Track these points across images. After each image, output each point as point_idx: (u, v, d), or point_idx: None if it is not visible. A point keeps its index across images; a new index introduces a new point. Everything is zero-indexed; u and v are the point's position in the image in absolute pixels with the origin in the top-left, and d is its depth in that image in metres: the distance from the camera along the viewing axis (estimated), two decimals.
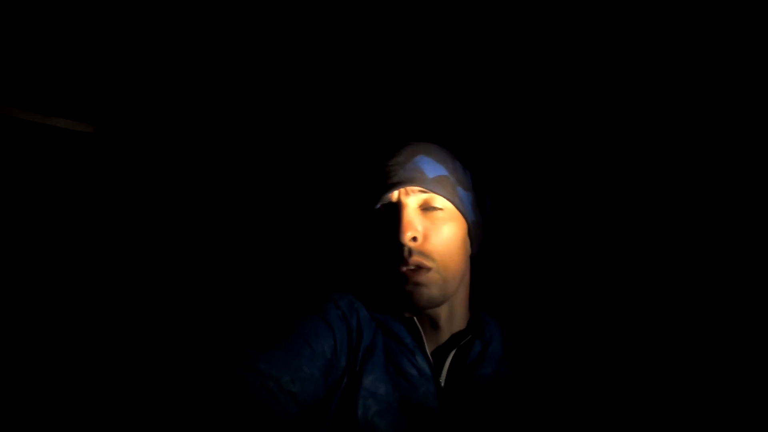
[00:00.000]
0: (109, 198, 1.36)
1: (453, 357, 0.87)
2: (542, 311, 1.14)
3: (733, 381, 0.97)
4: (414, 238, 0.83)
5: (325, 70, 1.36)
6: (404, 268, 0.83)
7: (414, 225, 0.84)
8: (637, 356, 1.02)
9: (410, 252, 0.83)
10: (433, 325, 0.88)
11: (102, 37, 1.30)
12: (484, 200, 0.96)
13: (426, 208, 0.87)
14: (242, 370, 0.72)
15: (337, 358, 0.82)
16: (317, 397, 0.78)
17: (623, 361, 1.00)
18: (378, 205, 0.88)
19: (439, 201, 0.87)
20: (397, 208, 0.86)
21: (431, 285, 0.84)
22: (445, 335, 0.89)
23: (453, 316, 0.90)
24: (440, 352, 0.88)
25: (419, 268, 0.83)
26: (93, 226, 1.33)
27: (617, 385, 0.94)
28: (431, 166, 0.89)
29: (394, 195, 0.87)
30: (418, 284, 0.83)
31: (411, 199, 0.86)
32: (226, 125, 1.43)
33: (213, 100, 1.42)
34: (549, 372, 0.88)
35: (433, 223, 0.86)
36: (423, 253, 0.84)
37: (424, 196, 0.87)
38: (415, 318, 0.88)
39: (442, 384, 0.84)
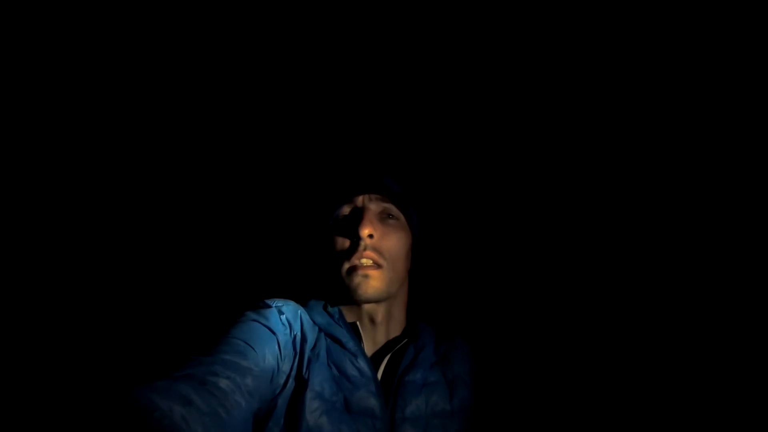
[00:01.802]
0: None
1: (388, 361, 0.95)
2: (471, 320, 1.25)
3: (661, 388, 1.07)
4: (371, 236, 0.94)
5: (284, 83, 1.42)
6: (358, 261, 0.93)
7: (373, 224, 0.95)
8: (559, 360, 1.13)
9: (365, 247, 0.94)
10: (373, 329, 0.98)
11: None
12: (426, 225, 1.09)
13: (383, 216, 0.99)
14: (203, 372, 0.75)
15: (281, 361, 0.87)
16: (266, 398, 0.84)
17: (546, 365, 1.09)
18: (342, 207, 0.99)
19: (395, 212, 1.00)
20: (359, 210, 0.98)
21: (378, 278, 0.94)
22: (382, 340, 0.99)
23: (390, 321, 1.00)
24: (377, 356, 0.97)
25: (373, 263, 0.94)
26: None
27: (542, 387, 1.02)
28: (392, 182, 1.03)
29: (359, 200, 0.99)
30: (367, 276, 0.93)
31: (372, 204, 0.98)
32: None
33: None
34: (476, 374, 0.97)
35: (388, 228, 0.98)
36: (377, 250, 0.94)
37: (384, 205, 0.99)
38: (357, 323, 0.97)
39: None
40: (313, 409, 0.83)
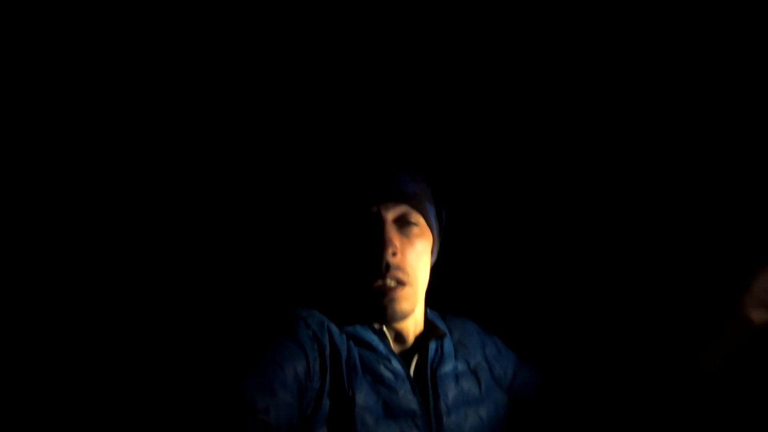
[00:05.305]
0: None
1: (417, 358, 0.93)
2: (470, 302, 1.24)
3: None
4: (393, 254, 0.87)
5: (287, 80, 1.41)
6: (381, 283, 0.86)
7: (394, 241, 0.87)
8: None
9: (388, 267, 0.86)
10: (400, 332, 0.93)
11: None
12: (441, 212, 1.00)
13: (401, 223, 0.90)
14: (217, 397, 0.73)
15: (310, 380, 0.82)
16: (291, 425, 0.78)
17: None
18: (356, 217, 0.90)
19: (414, 216, 0.91)
20: (376, 221, 0.88)
21: (404, 300, 0.88)
22: (410, 340, 0.94)
23: (416, 323, 0.95)
24: (406, 356, 0.93)
25: (397, 283, 0.87)
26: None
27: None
28: (407, 181, 0.93)
29: (374, 208, 0.89)
30: (393, 299, 0.87)
31: (389, 213, 0.89)
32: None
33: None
34: (490, 358, 1.01)
35: (409, 238, 0.90)
36: (400, 268, 0.87)
37: (401, 210, 0.90)
38: (384, 327, 0.92)
39: None
40: (364, 423, 0.81)
